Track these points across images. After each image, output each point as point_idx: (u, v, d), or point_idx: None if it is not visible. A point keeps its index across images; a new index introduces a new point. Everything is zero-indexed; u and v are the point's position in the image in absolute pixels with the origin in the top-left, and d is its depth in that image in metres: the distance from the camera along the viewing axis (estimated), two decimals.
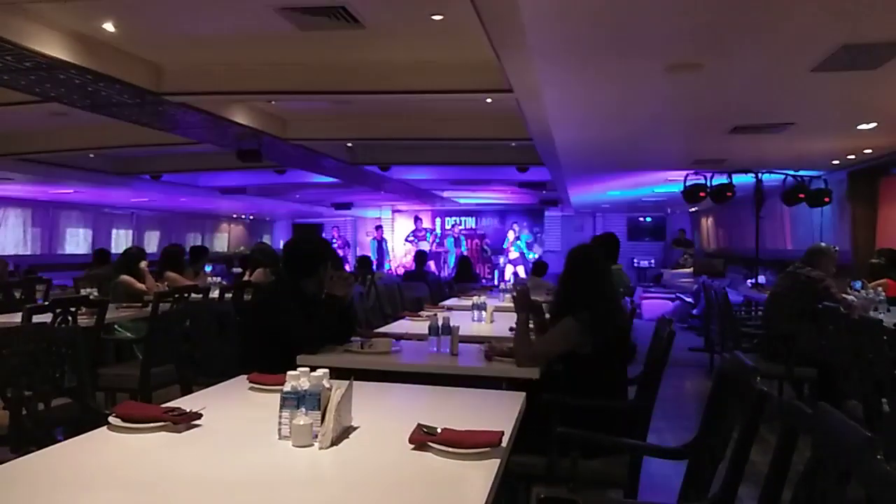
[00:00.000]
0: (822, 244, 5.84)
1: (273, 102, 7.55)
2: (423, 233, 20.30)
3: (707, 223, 17.36)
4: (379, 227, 20.66)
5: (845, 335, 4.04)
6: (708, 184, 9.22)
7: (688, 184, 9.23)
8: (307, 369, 2.00)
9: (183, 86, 6.06)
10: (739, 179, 9.31)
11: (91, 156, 10.54)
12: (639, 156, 8.77)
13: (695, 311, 10.60)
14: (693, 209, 16.75)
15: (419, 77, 5.89)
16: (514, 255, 19.29)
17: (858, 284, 5.98)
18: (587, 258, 3.35)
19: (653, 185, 12.19)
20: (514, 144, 9.02)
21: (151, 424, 1.99)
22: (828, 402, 1.62)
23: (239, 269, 9.47)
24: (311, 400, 1.92)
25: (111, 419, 2.02)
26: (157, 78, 6.04)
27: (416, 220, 20.36)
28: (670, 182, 11.02)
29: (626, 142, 7.70)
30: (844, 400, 4.12)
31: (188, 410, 2.08)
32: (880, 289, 5.88)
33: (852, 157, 8.40)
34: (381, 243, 20.36)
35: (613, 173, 10.57)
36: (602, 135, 7.26)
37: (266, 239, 21.39)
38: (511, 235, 19.58)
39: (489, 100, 6.24)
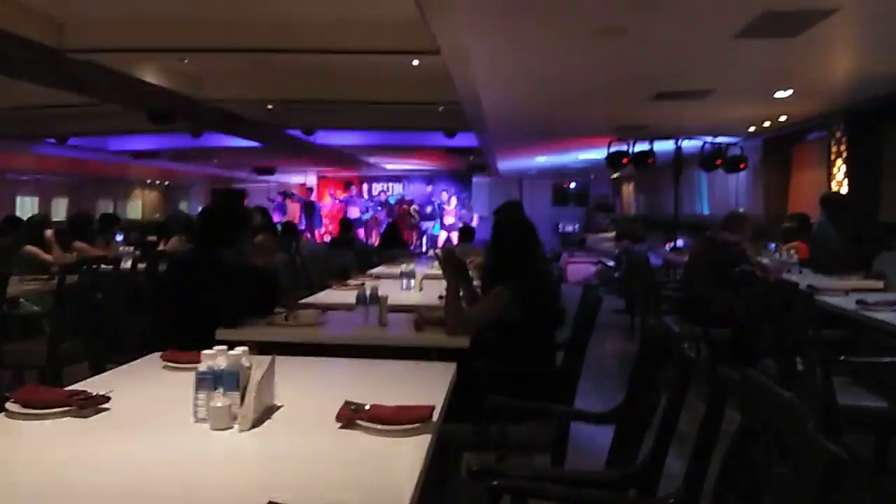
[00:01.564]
0: (740, 210, 6.04)
1: (186, 61, 7.16)
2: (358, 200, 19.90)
3: (628, 189, 17.80)
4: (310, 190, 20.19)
5: (760, 297, 4.19)
6: (630, 150, 9.40)
7: (611, 150, 9.38)
8: (224, 348, 1.88)
9: (87, 42, 5.65)
10: (660, 146, 9.53)
11: None
12: (565, 122, 8.83)
13: (616, 275, 10.86)
14: (615, 175, 17.12)
15: (342, 35, 5.68)
16: (450, 220, 19.14)
17: (773, 246, 6.23)
18: (515, 226, 3.32)
19: (577, 152, 12.35)
20: (441, 109, 8.90)
21: (54, 410, 1.83)
22: (743, 362, 1.65)
23: (154, 238, 9.06)
24: (228, 380, 1.80)
25: (9, 405, 1.85)
26: (57, 33, 5.61)
27: (349, 185, 19.98)
28: (594, 148, 11.19)
29: (552, 108, 7.72)
30: (759, 359, 4.28)
31: (95, 393, 1.93)
32: (793, 251, 6.15)
33: (768, 123, 8.71)
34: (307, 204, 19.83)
35: (540, 139, 10.63)
36: (529, 100, 7.24)
37: (183, 206, 20.59)
38: (453, 201, 19.33)
39: (416, 62, 6.09)
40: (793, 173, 9.63)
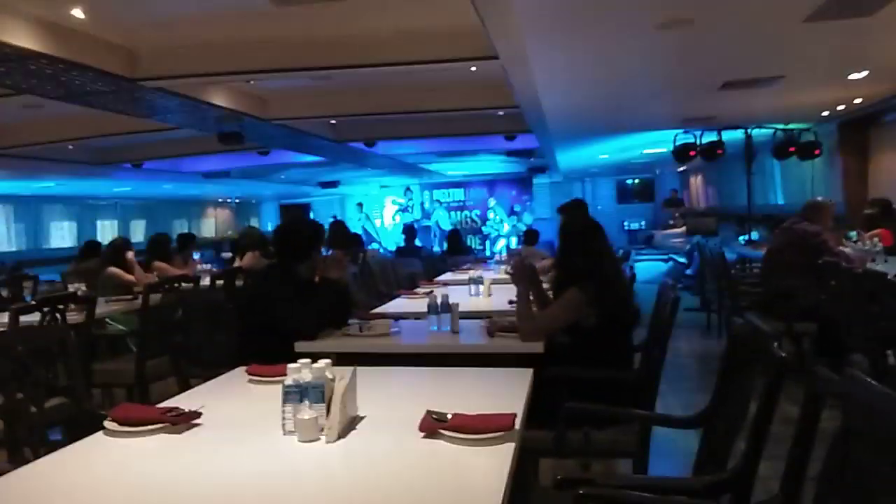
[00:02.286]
0: (819, 198, 5.79)
1: (252, 82, 7.37)
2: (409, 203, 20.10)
3: (696, 182, 17.32)
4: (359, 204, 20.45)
5: (847, 289, 4.00)
6: (698, 142, 9.14)
7: (677, 143, 9.15)
8: (308, 361, 1.92)
9: (158, 70, 5.88)
10: (729, 136, 9.23)
11: (70, 147, 10.31)
12: (628, 117, 8.67)
13: (688, 272, 10.58)
14: (682, 168, 16.69)
15: (401, 48, 5.73)
16: (505, 227, 19.07)
17: (853, 234, 5.95)
18: (581, 227, 3.28)
19: (642, 147, 12.11)
20: (501, 113, 8.88)
21: (150, 427, 1.91)
22: (828, 357, 1.58)
23: (229, 254, 9.36)
24: (314, 392, 1.84)
25: (107, 423, 1.94)
26: (131, 63, 5.86)
27: (407, 189, 20.15)
28: (659, 141, 10.95)
29: (615, 103, 7.59)
30: (847, 354, 4.09)
31: (187, 409, 2.00)
32: (876, 239, 5.85)
33: (842, 107, 8.34)
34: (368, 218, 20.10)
35: (602, 136, 10.46)
36: (591, 97, 7.14)
37: (254, 221, 21.21)
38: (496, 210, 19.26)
39: (473, 68, 6.09)
40: (871, 157, 9.18)
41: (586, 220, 3.43)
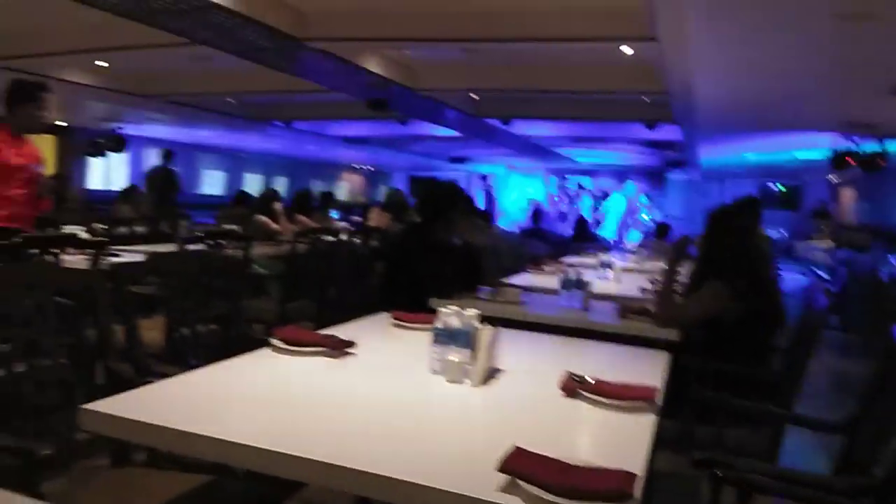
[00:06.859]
0: None
1: (407, 52, 7.57)
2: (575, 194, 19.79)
3: (847, 194, 16.07)
4: (485, 178, 20.50)
5: None
6: (858, 150, 8.51)
7: (836, 149, 8.55)
8: (458, 308, 2.01)
9: (323, 31, 6.17)
10: (892, 147, 8.52)
11: (228, 100, 11.03)
12: (784, 115, 8.18)
13: (832, 288, 9.90)
14: (836, 179, 15.53)
15: (556, 24, 5.69)
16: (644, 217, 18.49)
17: None
18: (732, 219, 3.19)
19: (793, 149, 11.40)
20: (647, 99, 8.63)
21: (311, 349, 2.08)
22: None
23: (359, 218, 9.77)
24: (463, 337, 1.93)
25: (274, 340, 2.13)
26: (300, 23, 6.18)
27: (562, 177, 19.93)
28: (812, 146, 10.27)
29: (772, 99, 7.20)
30: None
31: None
32: None
33: None
34: (489, 193, 20.13)
35: (753, 133, 9.94)
36: (748, 90, 6.81)
37: (384, 190, 21.86)
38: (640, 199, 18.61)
39: (630, 51, 5.96)
40: None
41: (735, 212, 3.33)
